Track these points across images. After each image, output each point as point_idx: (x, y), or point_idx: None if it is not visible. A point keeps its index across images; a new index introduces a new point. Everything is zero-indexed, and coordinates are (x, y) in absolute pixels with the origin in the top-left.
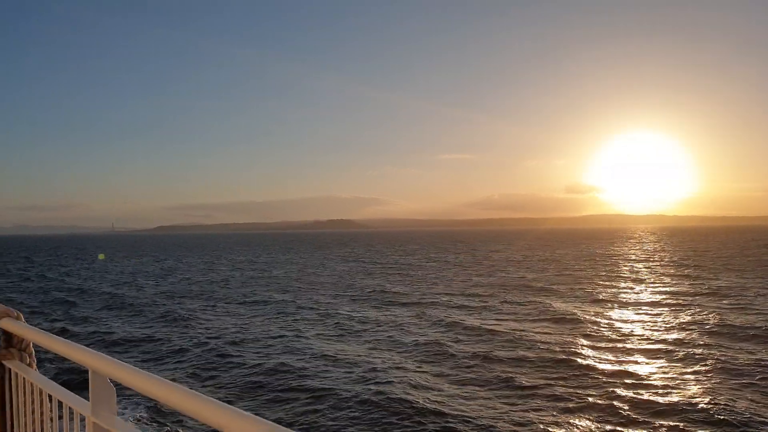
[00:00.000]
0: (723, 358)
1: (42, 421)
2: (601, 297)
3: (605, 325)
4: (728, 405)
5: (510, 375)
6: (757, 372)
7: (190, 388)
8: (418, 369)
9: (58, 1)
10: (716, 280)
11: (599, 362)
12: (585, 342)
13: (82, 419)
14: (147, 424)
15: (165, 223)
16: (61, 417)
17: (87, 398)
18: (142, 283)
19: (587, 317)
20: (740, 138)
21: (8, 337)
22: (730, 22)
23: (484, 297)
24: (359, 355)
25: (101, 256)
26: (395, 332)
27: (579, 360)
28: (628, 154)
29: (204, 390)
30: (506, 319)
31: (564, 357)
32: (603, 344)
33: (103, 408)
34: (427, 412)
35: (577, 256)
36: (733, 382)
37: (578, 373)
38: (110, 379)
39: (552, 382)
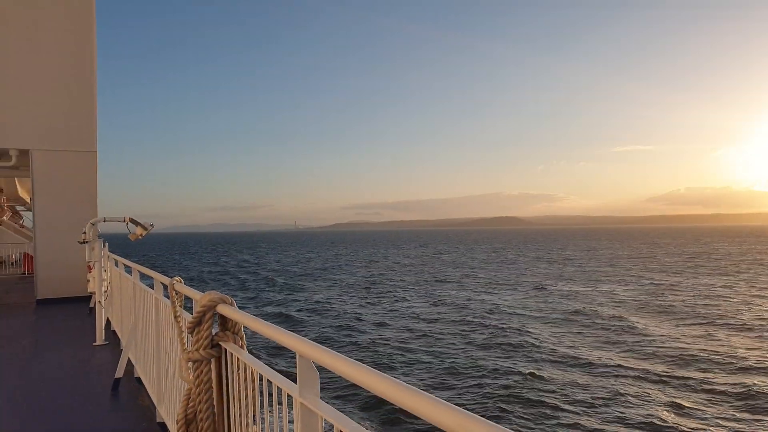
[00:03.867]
0: None
1: (254, 398)
2: None
3: None
4: None
5: None
6: None
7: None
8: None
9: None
10: None
11: None
12: None
13: (289, 400)
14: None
15: (340, 220)
16: (270, 396)
17: (292, 381)
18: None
19: None
20: None
21: (224, 321)
22: None
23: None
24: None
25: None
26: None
27: None
28: None
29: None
30: None
31: None
32: None
33: (309, 390)
34: None
35: None
36: None
37: None
38: (314, 363)
39: None
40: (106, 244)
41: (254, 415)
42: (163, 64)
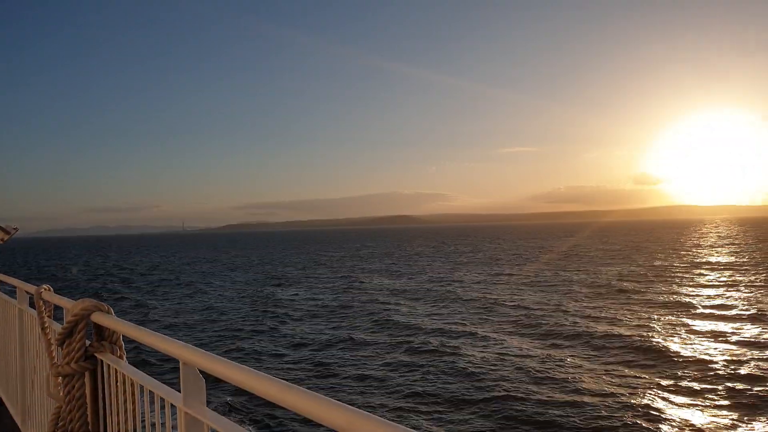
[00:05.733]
0: None
1: (134, 411)
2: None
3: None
4: None
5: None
6: None
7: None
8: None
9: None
10: None
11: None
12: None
13: (173, 410)
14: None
15: (233, 221)
16: (152, 408)
17: (177, 389)
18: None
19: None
20: None
21: (100, 331)
22: None
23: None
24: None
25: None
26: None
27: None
28: (698, 144)
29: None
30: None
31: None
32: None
33: (194, 398)
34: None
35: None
36: None
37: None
38: (200, 370)
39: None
40: None
41: (134, 430)
42: (37, 59)
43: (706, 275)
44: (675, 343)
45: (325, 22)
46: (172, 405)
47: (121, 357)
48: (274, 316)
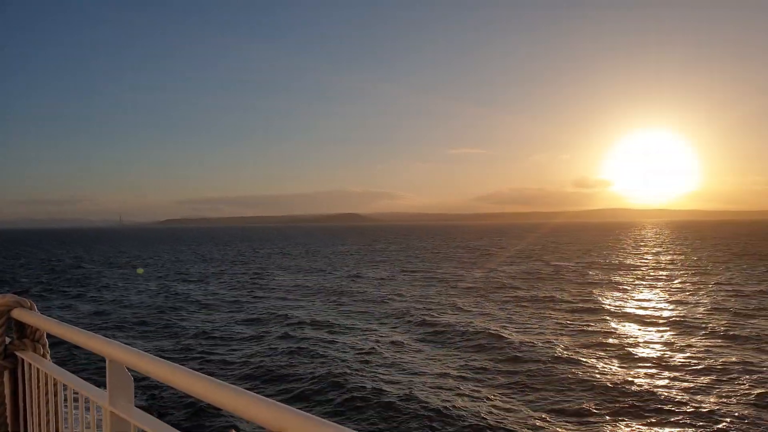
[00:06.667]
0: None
1: (57, 412)
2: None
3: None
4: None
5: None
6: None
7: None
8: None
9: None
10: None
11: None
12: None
13: (99, 410)
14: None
15: (173, 216)
16: (77, 407)
17: (104, 388)
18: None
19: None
20: (742, 133)
21: (21, 328)
22: (736, 24)
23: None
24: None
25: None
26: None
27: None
28: (634, 150)
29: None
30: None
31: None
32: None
33: (121, 397)
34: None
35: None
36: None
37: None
38: (128, 368)
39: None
40: None
41: (57, 431)
42: None
43: (595, 275)
44: (493, 331)
45: (274, 29)
46: (98, 405)
47: (44, 355)
48: (173, 310)
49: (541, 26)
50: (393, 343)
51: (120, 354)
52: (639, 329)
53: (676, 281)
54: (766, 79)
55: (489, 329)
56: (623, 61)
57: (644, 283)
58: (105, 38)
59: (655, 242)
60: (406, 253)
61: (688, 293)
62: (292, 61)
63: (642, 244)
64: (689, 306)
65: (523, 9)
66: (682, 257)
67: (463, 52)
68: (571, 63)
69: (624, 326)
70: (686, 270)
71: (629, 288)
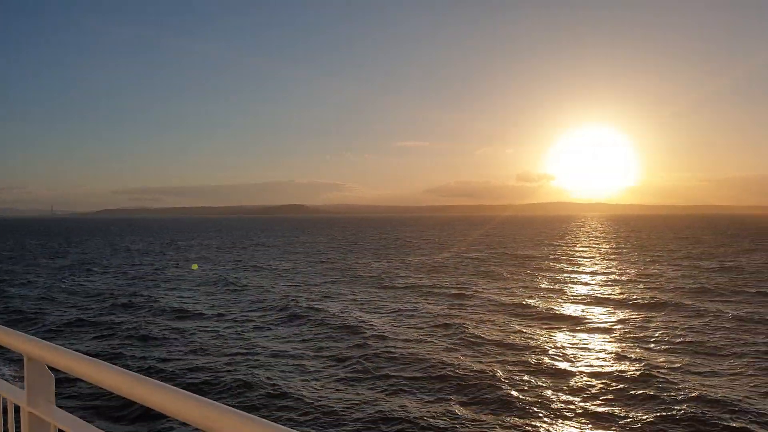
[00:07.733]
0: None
1: None
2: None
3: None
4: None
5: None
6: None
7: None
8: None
9: None
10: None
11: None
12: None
13: (17, 410)
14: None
15: (110, 206)
16: None
17: (22, 387)
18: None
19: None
20: (678, 130)
21: None
22: (673, 21)
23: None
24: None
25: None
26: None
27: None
28: (575, 145)
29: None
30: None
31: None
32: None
33: (41, 397)
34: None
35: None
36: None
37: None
38: (48, 366)
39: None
40: None
41: None
42: None
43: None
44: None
45: (216, 17)
46: (16, 405)
47: None
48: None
49: (485, 23)
50: (256, 328)
51: (39, 351)
52: (511, 319)
53: (594, 268)
54: (698, 76)
55: (352, 318)
56: (565, 58)
57: (556, 275)
58: (40, 25)
59: (586, 236)
60: (329, 244)
61: (603, 281)
62: (235, 51)
63: (573, 237)
64: (605, 289)
65: (466, 4)
66: (608, 248)
67: (410, 47)
68: (513, 58)
69: (498, 313)
70: (608, 259)
71: (536, 278)
